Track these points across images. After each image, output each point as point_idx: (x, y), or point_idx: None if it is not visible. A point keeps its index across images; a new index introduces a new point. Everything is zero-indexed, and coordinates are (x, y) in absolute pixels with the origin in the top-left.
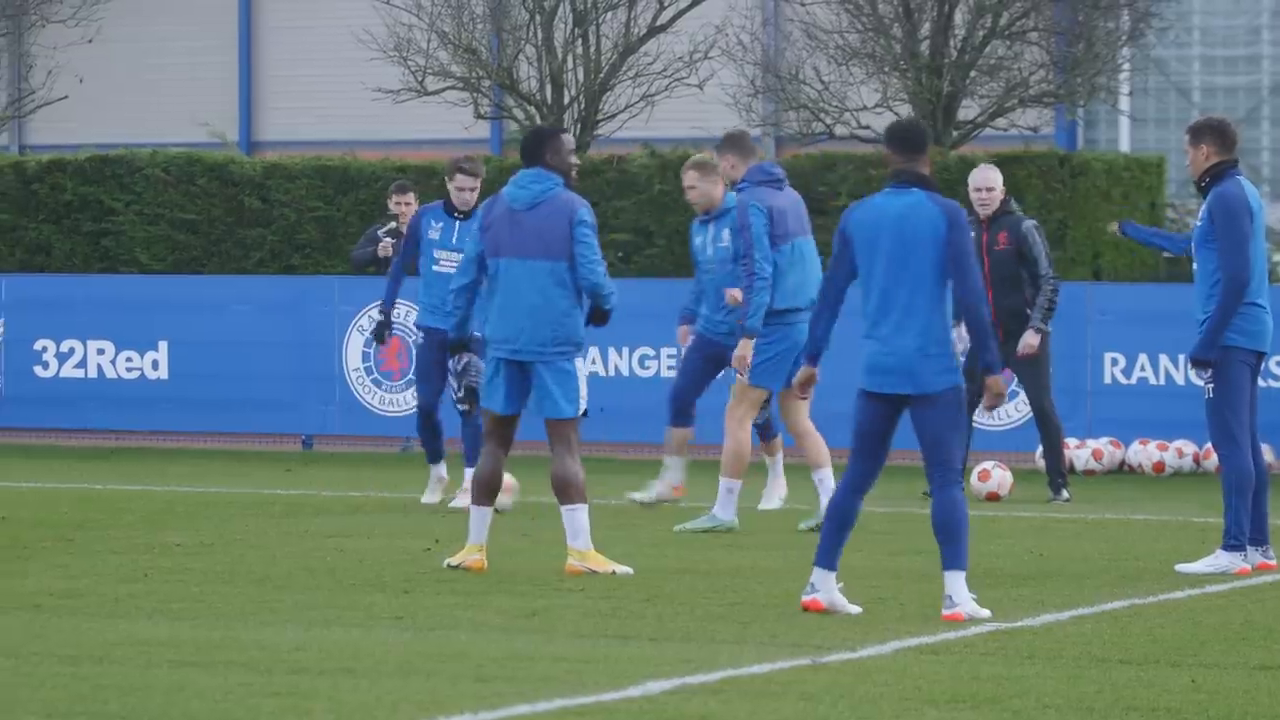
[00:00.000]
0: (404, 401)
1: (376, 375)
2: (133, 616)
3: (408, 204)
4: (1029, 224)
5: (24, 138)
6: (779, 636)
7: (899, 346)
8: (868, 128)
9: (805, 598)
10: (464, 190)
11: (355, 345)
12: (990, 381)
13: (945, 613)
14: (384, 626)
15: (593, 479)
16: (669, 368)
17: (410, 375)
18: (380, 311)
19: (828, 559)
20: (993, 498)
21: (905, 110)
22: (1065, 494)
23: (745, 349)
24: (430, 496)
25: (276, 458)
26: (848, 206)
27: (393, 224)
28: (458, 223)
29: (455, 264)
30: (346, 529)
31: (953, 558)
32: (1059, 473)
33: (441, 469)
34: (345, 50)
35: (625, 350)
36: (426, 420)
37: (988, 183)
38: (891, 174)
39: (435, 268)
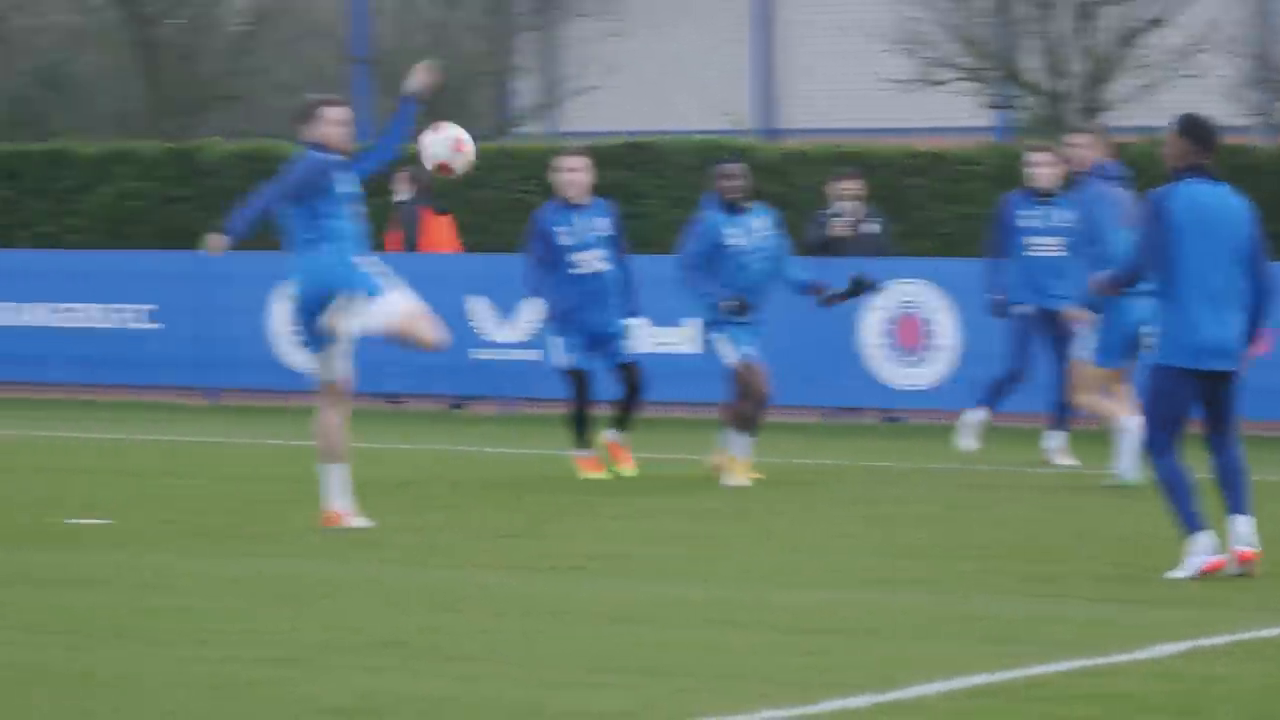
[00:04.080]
0: (917, 376)
1: (893, 351)
2: (670, 578)
3: (852, 189)
4: None
5: (556, 126)
6: None
7: (1232, 328)
8: None
9: (1213, 559)
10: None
11: (874, 321)
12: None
13: (1241, 551)
14: (906, 590)
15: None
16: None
17: (921, 351)
18: (992, 293)
19: (1202, 520)
20: None
21: None
22: None
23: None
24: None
25: (795, 429)
26: (1154, 192)
27: (846, 204)
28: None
29: (1048, 247)
30: (869, 496)
31: (1242, 503)
32: None
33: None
34: (857, 42)
35: None
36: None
37: None
38: (1193, 167)
39: (1026, 252)
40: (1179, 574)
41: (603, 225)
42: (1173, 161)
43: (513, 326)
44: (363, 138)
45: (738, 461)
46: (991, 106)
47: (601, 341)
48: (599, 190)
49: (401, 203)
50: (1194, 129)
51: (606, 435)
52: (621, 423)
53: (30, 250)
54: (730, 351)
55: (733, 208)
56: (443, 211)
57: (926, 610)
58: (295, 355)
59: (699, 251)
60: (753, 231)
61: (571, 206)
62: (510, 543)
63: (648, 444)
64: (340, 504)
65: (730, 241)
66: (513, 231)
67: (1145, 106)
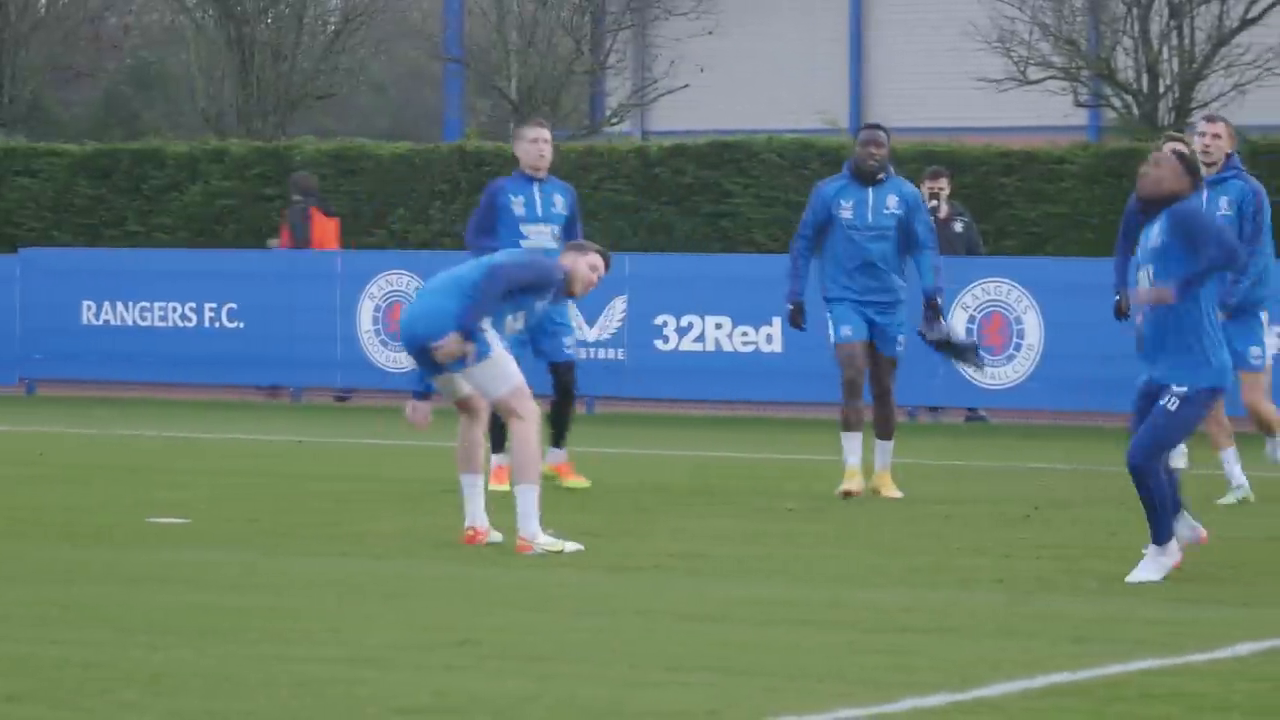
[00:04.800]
0: (1002, 375)
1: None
2: (749, 577)
3: (941, 188)
4: None
5: (646, 124)
6: None
7: None
8: None
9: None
10: None
11: (959, 321)
12: None
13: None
14: (985, 589)
15: None
16: None
17: (1007, 349)
18: (1116, 291)
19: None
20: None
21: None
22: None
23: None
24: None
25: None
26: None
27: (934, 203)
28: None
29: None
30: (952, 495)
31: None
32: None
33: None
34: (950, 41)
35: None
36: None
37: None
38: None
39: None
40: (1148, 576)
41: (560, 204)
42: (1168, 187)
43: (599, 326)
44: (451, 136)
45: (847, 467)
46: (1083, 105)
47: (540, 329)
48: (688, 188)
49: (292, 204)
50: (1193, 164)
51: (548, 455)
52: (557, 431)
53: (119, 249)
54: (830, 332)
55: (862, 178)
56: (330, 214)
57: (1006, 610)
58: (381, 355)
59: (810, 221)
60: (874, 207)
61: (531, 179)
62: (590, 542)
63: (733, 443)
64: (480, 519)
65: (843, 213)
66: (600, 230)
67: (1237, 105)
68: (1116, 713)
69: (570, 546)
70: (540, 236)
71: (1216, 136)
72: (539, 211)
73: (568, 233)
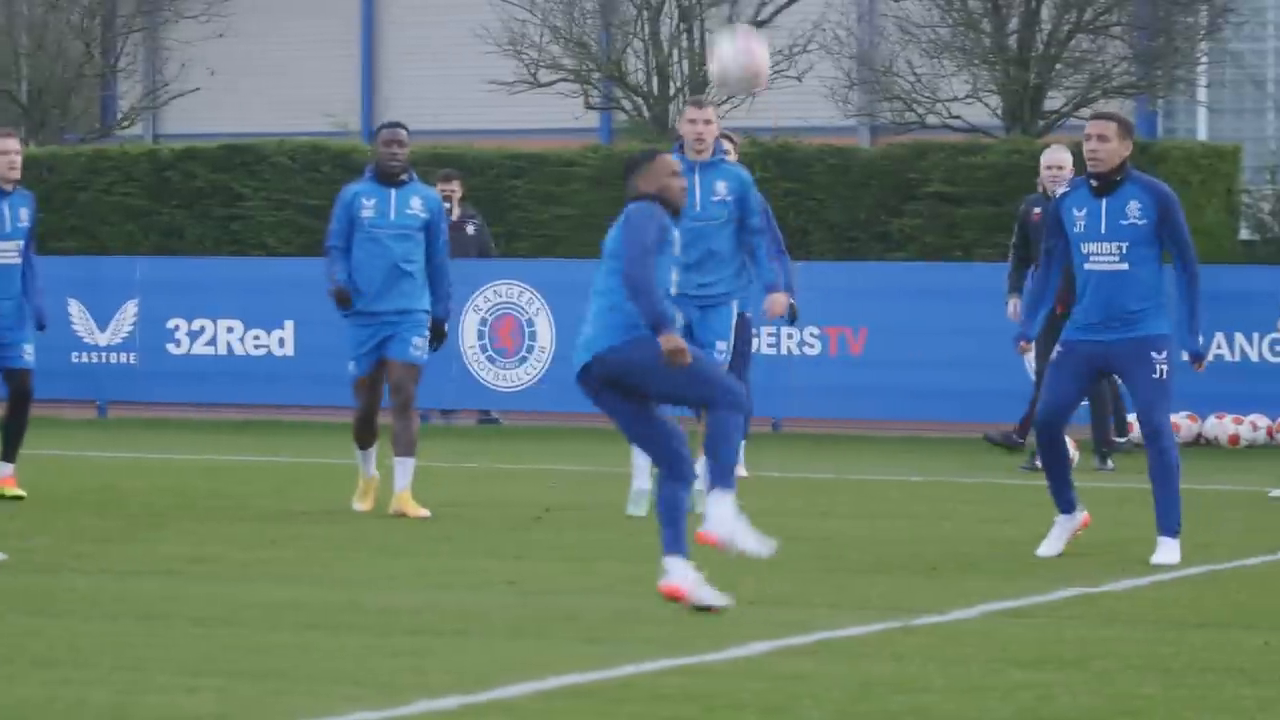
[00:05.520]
0: (514, 377)
1: (491, 352)
2: (260, 581)
3: (452, 191)
4: None
5: (158, 127)
6: (871, 601)
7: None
8: (958, 118)
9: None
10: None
11: (471, 322)
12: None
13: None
14: (497, 590)
15: None
16: None
17: (519, 352)
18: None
19: None
20: None
21: (994, 101)
22: (1109, 464)
23: None
24: None
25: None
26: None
27: (446, 206)
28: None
29: None
30: (464, 498)
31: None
32: (1103, 443)
33: None
34: (462, 44)
35: None
36: None
37: (1058, 161)
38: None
39: None
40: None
41: (25, 215)
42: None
43: (111, 330)
44: None
45: (362, 480)
46: (594, 108)
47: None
48: (200, 192)
49: None
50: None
51: None
52: (9, 444)
53: None
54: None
55: (385, 178)
56: None
57: (518, 610)
58: None
59: (337, 229)
60: (397, 206)
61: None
62: (104, 547)
63: (246, 447)
64: None
65: (364, 213)
66: (111, 234)
67: (747, 107)
68: (629, 713)
69: None
70: (6, 254)
71: (708, 123)
72: (7, 227)
73: (29, 246)
